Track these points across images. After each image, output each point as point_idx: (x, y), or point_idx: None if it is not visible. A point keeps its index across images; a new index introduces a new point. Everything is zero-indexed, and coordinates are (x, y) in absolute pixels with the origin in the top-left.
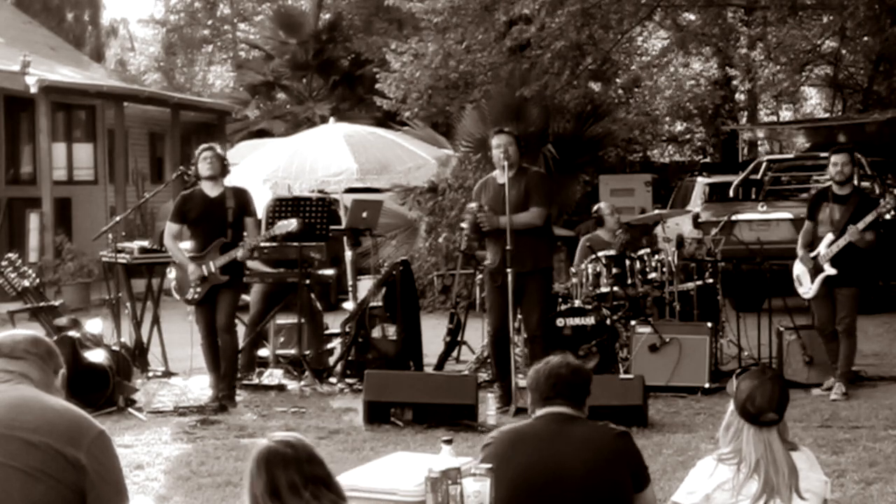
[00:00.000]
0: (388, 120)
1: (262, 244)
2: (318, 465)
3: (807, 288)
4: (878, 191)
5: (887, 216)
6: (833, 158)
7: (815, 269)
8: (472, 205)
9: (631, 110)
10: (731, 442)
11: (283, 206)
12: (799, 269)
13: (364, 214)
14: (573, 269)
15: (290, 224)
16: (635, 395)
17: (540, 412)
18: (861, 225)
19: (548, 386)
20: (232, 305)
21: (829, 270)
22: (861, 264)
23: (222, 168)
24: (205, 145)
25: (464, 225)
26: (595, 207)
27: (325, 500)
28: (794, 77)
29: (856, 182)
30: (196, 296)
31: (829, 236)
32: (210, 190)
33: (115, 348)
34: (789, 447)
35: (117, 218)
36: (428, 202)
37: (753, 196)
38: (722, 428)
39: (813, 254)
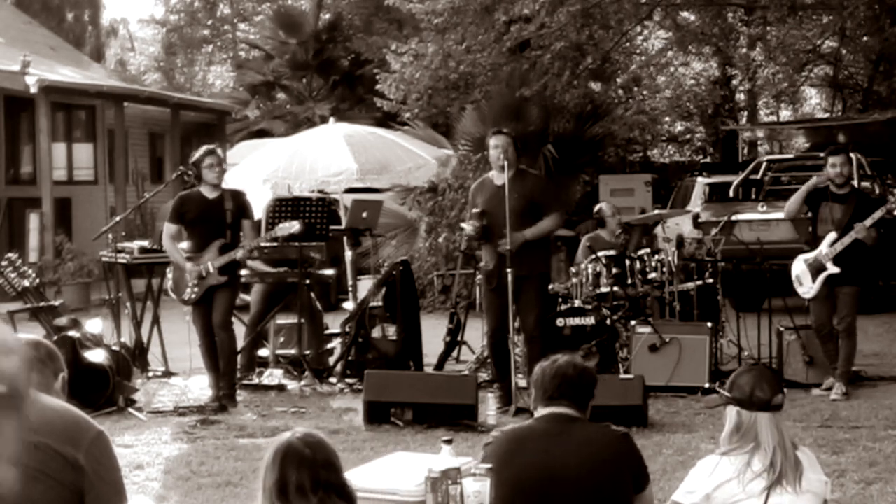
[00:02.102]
0: (388, 120)
1: (263, 244)
2: (334, 471)
3: (807, 287)
4: (877, 191)
5: None
6: (831, 160)
7: (817, 269)
8: (476, 210)
9: (629, 109)
10: (738, 441)
11: (283, 206)
12: (798, 269)
13: (364, 214)
14: (573, 269)
15: (293, 226)
16: (635, 395)
17: (542, 412)
18: (869, 222)
19: (553, 386)
20: (229, 304)
21: (833, 269)
22: (863, 263)
23: (223, 172)
24: (207, 148)
25: (467, 227)
26: (596, 208)
27: None
28: (793, 77)
29: (855, 182)
30: (193, 296)
31: (832, 235)
32: (209, 192)
33: (115, 348)
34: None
35: (117, 218)
36: (428, 202)
37: (753, 196)
38: (728, 433)
39: (814, 253)
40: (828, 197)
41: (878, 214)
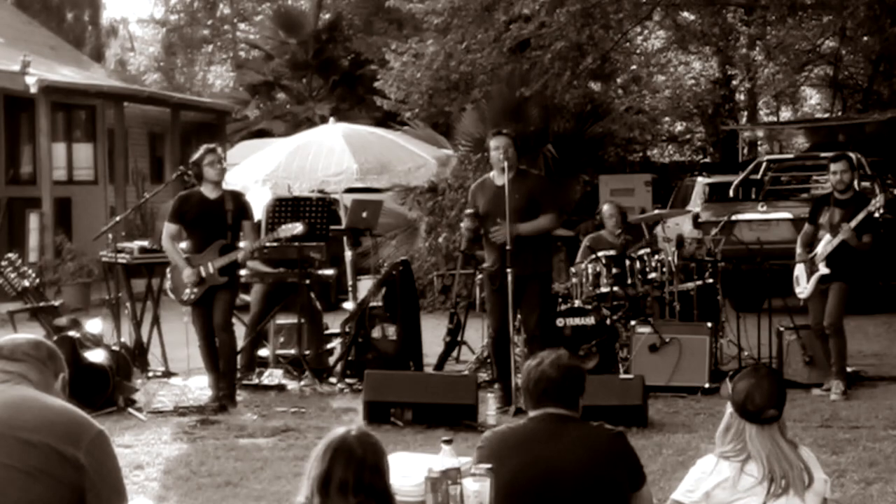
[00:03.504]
0: (388, 120)
1: (264, 244)
2: (380, 476)
3: (802, 288)
4: (877, 191)
5: (876, 214)
6: (832, 167)
7: (812, 270)
8: (470, 211)
9: (629, 105)
10: (730, 442)
11: (283, 206)
12: (798, 270)
13: (364, 214)
14: (573, 269)
15: (296, 227)
16: (635, 395)
17: (533, 413)
18: (853, 223)
19: (538, 391)
20: (229, 305)
21: (823, 270)
22: (852, 263)
23: (224, 171)
24: (208, 147)
25: (462, 227)
26: (598, 210)
27: None
28: (793, 77)
29: (856, 186)
30: (192, 297)
31: (827, 237)
32: (210, 192)
33: (115, 348)
34: (791, 445)
35: (117, 218)
36: (428, 202)
37: (753, 196)
38: (720, 430)
39: (811, 255)
40: (830, 203)
41: (861, 216)
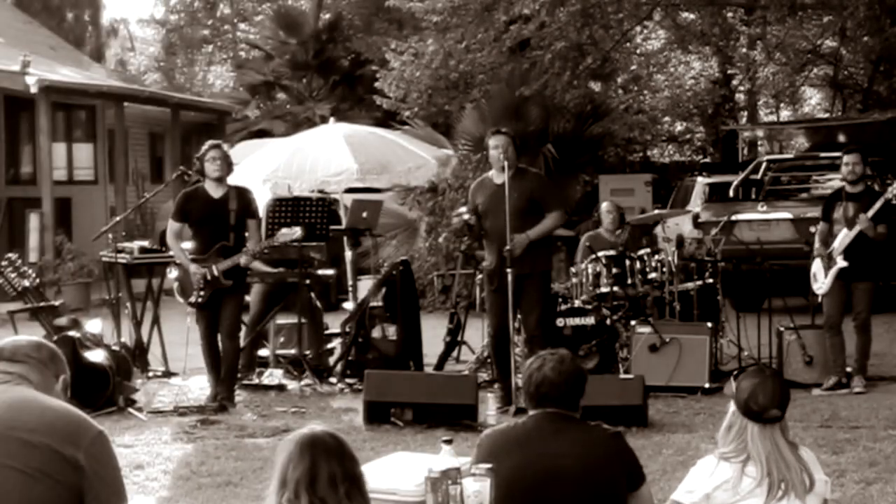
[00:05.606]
0: (388, 120)
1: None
2: (356, 464)
3: (820, 283)
4: (878, 190)
5: (895, 201)
6: (845, 159)
7: (830, 265)
8: (462, 209)
9: (629, 105)
10: (731, 442)
11: (283, 206)
12: (815, 267)
13: (364, 214)
14: (573, 269)
15: (294, 232)
16: (635, 395)
17: (532, 412)
18: (870, 213)
19: (539, 393)
20: (236, 311)
21: (841, 263)
22: (875, 258)
23: (228, 168)
24: (212, 143)
25: (463, 213)
26: (596, 208)
27: (356, 501)
28: (793, 77)
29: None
30: (200, 299)
31: (844, 231)
32: (214, 190)
33: (115, 348)
34: (792, 446)
35: (117, 218)
36: (428, 202)
37: (753, 196)
38: (722, 429)
39: (828, 250)
40: (842, 197)
41: (878, 205)
